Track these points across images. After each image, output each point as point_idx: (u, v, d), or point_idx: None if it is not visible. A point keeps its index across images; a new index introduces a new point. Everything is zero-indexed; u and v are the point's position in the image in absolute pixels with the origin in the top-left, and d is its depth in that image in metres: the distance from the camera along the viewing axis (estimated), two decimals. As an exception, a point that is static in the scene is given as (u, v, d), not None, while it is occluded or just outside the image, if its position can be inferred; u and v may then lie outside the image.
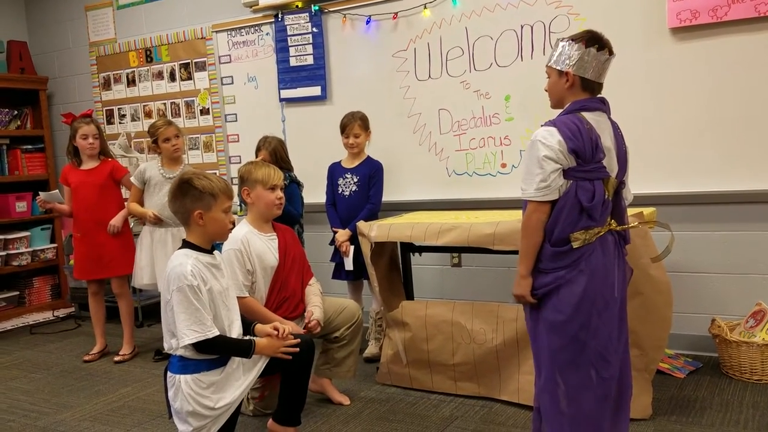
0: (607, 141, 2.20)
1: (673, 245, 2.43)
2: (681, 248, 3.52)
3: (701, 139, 3.53)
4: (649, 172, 3.57)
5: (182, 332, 2.38)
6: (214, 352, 2.46)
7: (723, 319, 3.42)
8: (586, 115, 2.19)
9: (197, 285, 2.39)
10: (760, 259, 3.49)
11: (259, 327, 2.71)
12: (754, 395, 3.10)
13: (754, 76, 3.39)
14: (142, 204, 4.15)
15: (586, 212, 2.13)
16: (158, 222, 4.04)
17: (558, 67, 2.23)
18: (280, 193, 3.15)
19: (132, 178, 4.18)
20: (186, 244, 2.52)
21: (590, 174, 2.14)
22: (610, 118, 2.27)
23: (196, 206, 2.47)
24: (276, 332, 2.65)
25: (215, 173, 4.92)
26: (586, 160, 2.12)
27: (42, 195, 4.28)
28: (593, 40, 2.20)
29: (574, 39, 2.21)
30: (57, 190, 4.24)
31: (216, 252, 2.60)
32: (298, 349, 2.66)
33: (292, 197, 3.84)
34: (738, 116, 3.44)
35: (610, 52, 2.23)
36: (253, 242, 3.07)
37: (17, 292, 5.69)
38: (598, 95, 2.26)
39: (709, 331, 3.45)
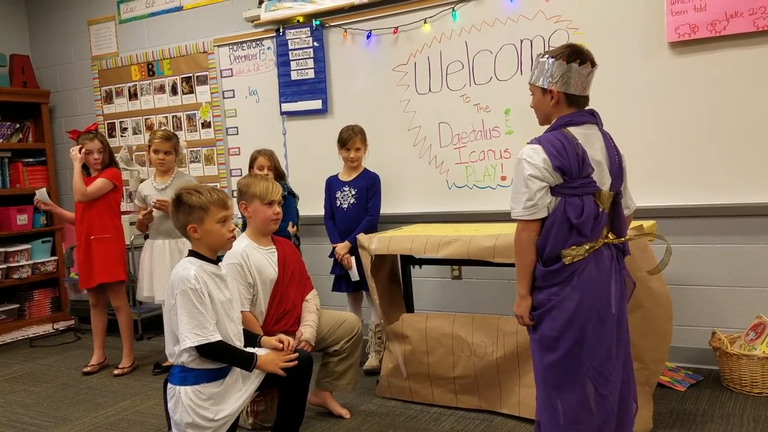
0: (597, 154, 2.17)
1: (669, 257, 2.42)
2: (681, 261, 3.53)
3: (700, 152, 3.54)
4: (648, 186, 3.58)
5: (184, 335, 2.39)
6: (216, 358, 2.47)
7: (723, 332, 3.42)
8: (573, 129, 2.16)
9: (200, 289, 2.41)
10: (760, 272, 3.49)
11: (265, 339, 2.75)
12: (755, 408, 3.09)
13: (753, 90, 3.41)
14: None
15: (575, 229, 2.11)
16: (163, 207, 3.99)
17: (541, 85, 2.21)
18: (277, 209, 3.14)
19: (135, 201, 4.30)
20: (191, 254, 2.56)
21: (578, 190, 2.12)
22: (601, 130, 2.25)
23: (189, 220, 2.51)
24: (281, 345, 2.69)
25: (215, 186, 4.97)
26: (572, 177, 2.11)
27: (37, 194, 4.33)
28: (574, 55, 2.16)
29: (555, 56, 2.18)
30: (44, 189, 4.40)
31: (221, 264, 2.63)
32: (296, 363, 2.67)
33: (287, 210, 3.84)
34: (737, 130, 3.46)
35: (593, 64, 2.20)
36: (252, 255, 3.07)
37: (17, 305, 5.68)
38: (587, 107, 2.24)
39: (710, 344, 3.44)
